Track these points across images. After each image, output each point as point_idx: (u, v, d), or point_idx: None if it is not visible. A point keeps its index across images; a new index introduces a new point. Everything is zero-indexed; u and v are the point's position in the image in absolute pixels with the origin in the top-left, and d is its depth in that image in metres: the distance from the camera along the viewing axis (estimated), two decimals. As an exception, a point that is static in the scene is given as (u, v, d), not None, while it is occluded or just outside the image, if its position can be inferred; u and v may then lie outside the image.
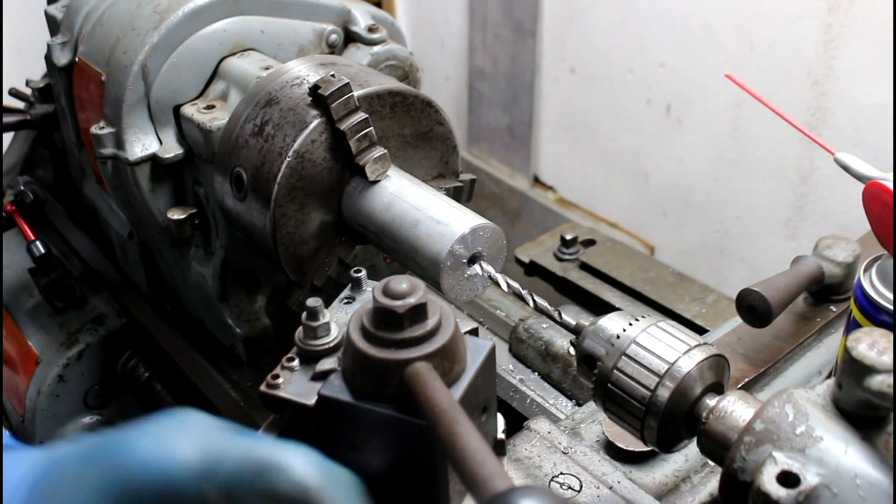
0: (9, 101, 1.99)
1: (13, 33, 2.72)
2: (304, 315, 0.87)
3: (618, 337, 0.93)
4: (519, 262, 1.90)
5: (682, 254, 3.19)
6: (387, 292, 0.79)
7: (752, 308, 1.24)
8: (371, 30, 1.49)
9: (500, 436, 0.92)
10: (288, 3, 1.43)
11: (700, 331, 1.57)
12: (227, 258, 1.46)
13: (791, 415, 0.81)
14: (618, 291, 1.75)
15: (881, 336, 0.75)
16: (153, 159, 1.39)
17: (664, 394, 0.88)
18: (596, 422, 1.20)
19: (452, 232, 1.06)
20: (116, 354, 1.77)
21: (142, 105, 1.37)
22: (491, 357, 0.86)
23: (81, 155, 1.66)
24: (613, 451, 1.15)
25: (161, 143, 1.40)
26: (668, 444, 0.93)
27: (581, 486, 1.07)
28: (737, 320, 1.32)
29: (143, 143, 1.39)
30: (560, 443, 1.13)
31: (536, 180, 3.70)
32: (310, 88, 1.16)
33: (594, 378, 0.94)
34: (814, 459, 0.77)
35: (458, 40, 3.78)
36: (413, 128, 1.25)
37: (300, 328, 0.87)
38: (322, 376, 0.85)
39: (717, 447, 0.88)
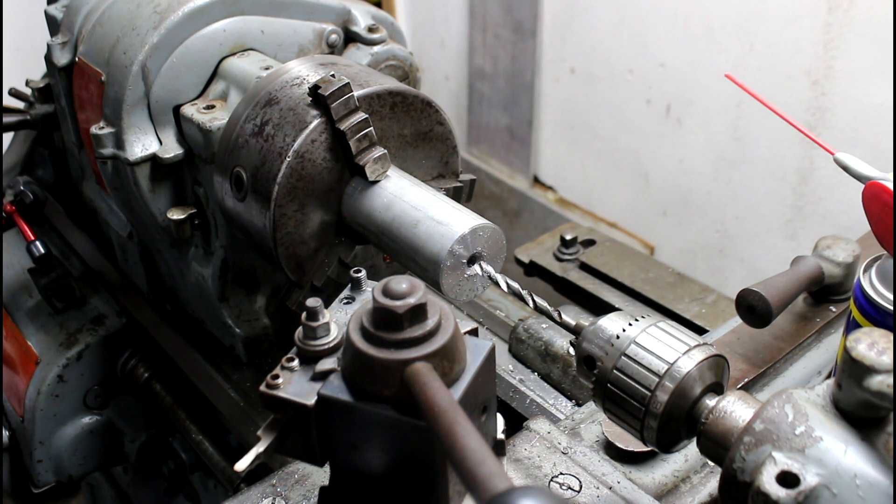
0: (9, 101, 1.99)
1: (13, 33, 2.73)
2: (303, 315, 0.87)
3: (617, 337, 0.93)
4: (519, 262, 1.90)
5: (682, 254, 3.19)
6: (387, 292, 0.79)
7: (752, 308, 1.24)
8: (371, 30, 1.49)
9: (500, 436, 0.92)
10: (288, 3, 1.43)
11: (700, 331, 1.57)
12: (227, 258, 1.46)
13: (791, 415, 0.81)
14: (618, 291, 1.75)
15: (881, 336, 0.75)
16: (153, 159, 1.39)
17: (664, 394, 0.88)
18: (596, 422, 1.20)
19: (452, 232, 1.06)
20: (116, 354, 1.77)
21: (142, 105, 1.37)
22: (491, 357, 0.86)
23: (81, 155, 1.66)
24: (613, 452, 1.15)
25: (161, 143, 1.40)
26: (667, 444, 0.93)
27: (581, 487, 1.07)
28: (737, 320, 1.32)
29: (143, 143, 1.39)
30: (560, 443, 1.13)
31: (536, 180, 3.70)
32: (310, 88, 1.16)
33: (594, 378, 0.94)
34: (813, 459, 0.77)
35: (458, 40, 3.78)
36: (413, 128, 1.25)
37: (300, 328, 0.87)
38: (322, 376, 0.85)
39: (717, 447, 0.88)
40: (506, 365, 1.53)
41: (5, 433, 1.82)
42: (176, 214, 1.43)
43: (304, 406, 0.83)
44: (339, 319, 0.90)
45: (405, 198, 1.13)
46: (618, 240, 1.93)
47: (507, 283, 1.06)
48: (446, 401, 0.73)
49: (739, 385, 1.25)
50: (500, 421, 0.92)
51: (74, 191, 1.85)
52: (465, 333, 0.86)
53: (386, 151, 1.17)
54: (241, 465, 0.84)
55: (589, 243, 1.89)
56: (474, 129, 3.88)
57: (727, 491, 0.83)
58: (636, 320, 0.94)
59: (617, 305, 1.70)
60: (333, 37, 1.48)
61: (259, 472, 1.13)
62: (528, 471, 1.09)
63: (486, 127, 3.81)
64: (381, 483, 0.86)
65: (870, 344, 0.74)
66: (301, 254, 1.22)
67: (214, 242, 1.46)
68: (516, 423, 1.19)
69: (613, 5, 3.05)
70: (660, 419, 0.89)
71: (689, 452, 1.15)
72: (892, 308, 1.08)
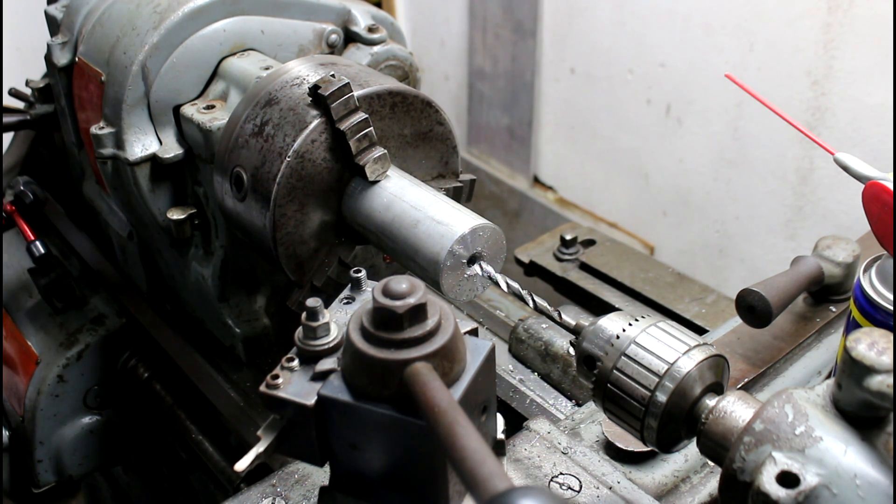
0: (9, 101, 1.99)
1: (13, 33, 2.72)
2: (303, 315, 0.87)
3: (617, 337, 0.93)
4: (519, 262, 1.90)
5: (682, 254, 3.19)
6: (386, 292, 0.79)
7: (752, 308, 1.24)
8: (371, 30, 1.49)
9: (500, 436, 0.92)
10: (288, 3, 1.43)
11: (700, 331, 1.57)
12: (226, 258, 1.46)
13: (791, 415, 0.81)
14: (618, 291, 1.75)
15: (881, 336, 0.75)
16: (153, 159, 1.39)
17: (664, 394, 0.88)
18: (596, 422, 1.20)
19: (452, 232, 1.06)
20: (116, 354, 1.77)
21: (142, 105, 1.37)
22: (491, 357, 0.86)
23: (81, 155, 1.66)
24: (613, 452, 1.15)
25: (161, 143, 1.40)
26: (667, 444, 0.93)
27: (581, 487, 1.07)
28: (737, 320, 1.32)
29: (143, 143, 1.39)
30: (560, 443, 1.13)
31: (536, 180, 3.70)
32: (310, 88, 1.16)
33: (594, 378, 0.94)
34: (813, 459, 0.77)
35: (458, 40, 3.78)
36: (413, 128, 1.25)
37: (300, 328, 0.87)
38: (322, 376, 0.85)
39: (717, 447, 0.88)
40: (506, 365, 1.53)
41: (5, 433, 1.82)
42: (176, 214, 1.43)
43: (304, 406, 0.83)
44: (339, 319, 0.90)
45: (405, 198, 1.13)
46: (618, 240, 1.93)
47: (507, 283, 1.06)
48: (446, 401, 0.73)
49: (739, 385, 1.25)
50: (500, 421, 0.92)
51: (74, 191, 1.85)
52: (465, 333, 0.86)
53: (386, 151, 1.17)
54: (241, 465, 0.84)
55: (589, 243, 1.89)
56: (474, 129, 3.88)
57: (727, 491, 0.83)
58: (636, 320, 0.94)
59: (617, 305, 1.70)
60: (333, 37, 1.48)
61: (259, 472, 1.12)
62: (528, 471, 1.09)
63: (486, 127, 3.81)
64: (380, 483, 0.86)
65: (870, 344, 0.74)
66: (301, 254, 1.22)
67: (214, 242, 1.46)
68: (516, 423, 1.19)
69: (613, 5, 3.05)
70: (660, 419, 0.89)
71: (689, 452, 1.15)
72: (892, 308, 1.08)
